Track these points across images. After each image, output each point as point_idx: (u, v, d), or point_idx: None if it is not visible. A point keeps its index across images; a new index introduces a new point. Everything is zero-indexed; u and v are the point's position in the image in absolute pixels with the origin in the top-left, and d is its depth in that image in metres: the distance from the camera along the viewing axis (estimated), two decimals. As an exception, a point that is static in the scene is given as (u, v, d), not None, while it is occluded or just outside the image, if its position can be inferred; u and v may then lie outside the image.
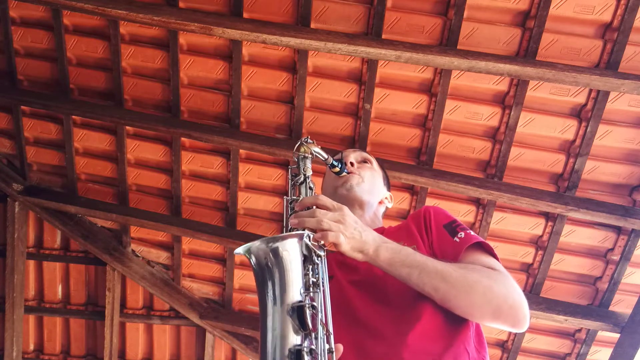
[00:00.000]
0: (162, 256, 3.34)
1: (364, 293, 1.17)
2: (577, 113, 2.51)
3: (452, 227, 1.21)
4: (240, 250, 0.94)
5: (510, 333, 2.99)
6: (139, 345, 3.47)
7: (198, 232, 3.06)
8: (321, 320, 0.90)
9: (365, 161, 1.53)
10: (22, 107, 3.05)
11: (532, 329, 2.95)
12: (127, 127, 2.97)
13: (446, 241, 1.19)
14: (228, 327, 3.25)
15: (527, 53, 2.39)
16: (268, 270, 0.91)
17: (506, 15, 2.39)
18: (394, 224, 1.45)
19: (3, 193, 3.25)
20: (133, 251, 3.33)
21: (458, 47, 2.42)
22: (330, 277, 1.23)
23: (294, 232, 1.00)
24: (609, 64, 2.34)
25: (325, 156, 1.31)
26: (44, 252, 3.40)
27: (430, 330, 1.08)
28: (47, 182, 3.29)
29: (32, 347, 3.56)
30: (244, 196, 3.01)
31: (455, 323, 1.11)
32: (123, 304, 3.39)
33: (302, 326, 0.85)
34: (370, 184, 1.46)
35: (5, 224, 3.29)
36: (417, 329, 1.08)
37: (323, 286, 0.97)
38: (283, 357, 0.82)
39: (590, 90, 2.42)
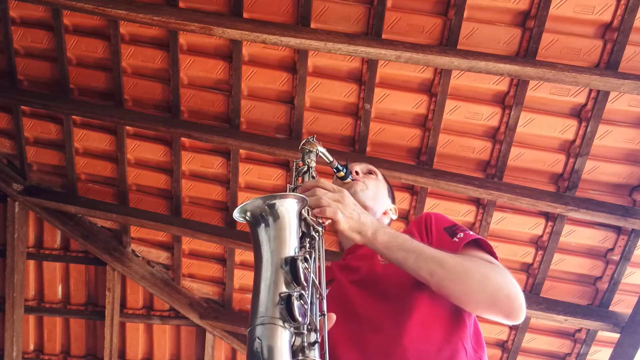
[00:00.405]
0: (162, 256, 3.34)
1: (363, 291, 1.18)
2: (577, 113, 2.51)
3: (453, 230, 1.23)
4: (236, 212, 0.93)
5: (510, 333, 2.99)
6: (139, 345, 3.47)
7: (198, 232, 3.06)
8: (313, 280, 0.91)
9: (370, 172, 1.54)
10: (22, 107, 3.05)
11: (532, 329, 2.96)
12: (127, 127, 2.97)
13: (445, 241, 1.20)
14: (228, 327, 3.25)
15: (527, 53, 2.39)
16: (264, 223, 0.91)
17: (506, 15, 2.39)
18: (393, 224, 1.45)
19: (3, 193, 3.25)
20: (133, 251, 3.33)
21: (458, 47, 2.42)
22: (332, 281, 1.24)
23: (292, 194, 1.00)
24: (609, 64, 2.34)
25: (331, 159, 1.33)
26: (44, 252, 3.40)
27: (429, 320, 1.09)
28: (47, 182, 3.29)
29: (32, 347, 3.56)
30: (244, 196, 3.01)
31: (452, 319, 1.11)
32: (123, 304, 3.39)
33: (294, 279, 0.85)
34: (374, 192, 1.46)
35: (5, 224, 3.29)
36: (415, 319, 1.08)
37: (320, 257, 0.98)
38: (274, 304, 0.81)
39: (590, 90, 2.42)
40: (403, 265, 1.07)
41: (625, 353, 2.69)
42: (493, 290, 1.06)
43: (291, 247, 0.90)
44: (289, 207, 0.94)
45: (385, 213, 1.51)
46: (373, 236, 1.07)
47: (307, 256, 0.91)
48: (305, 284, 0.86)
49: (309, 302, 0.86)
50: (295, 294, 0.82)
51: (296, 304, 0.80)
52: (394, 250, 1.07)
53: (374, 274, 1.19)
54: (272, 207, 0.92)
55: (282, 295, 0.82)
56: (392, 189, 1.62)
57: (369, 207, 1.42)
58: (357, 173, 1.47)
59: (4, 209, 3.30)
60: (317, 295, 0.91)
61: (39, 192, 3.25)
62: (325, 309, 0.91)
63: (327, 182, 1.11)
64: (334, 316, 0.95)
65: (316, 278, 0.93)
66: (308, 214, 1.00)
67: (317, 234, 1.00)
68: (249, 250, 3.09)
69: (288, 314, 0.80)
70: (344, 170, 1.39)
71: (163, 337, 3.45)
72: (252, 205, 0.92)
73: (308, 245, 0.98)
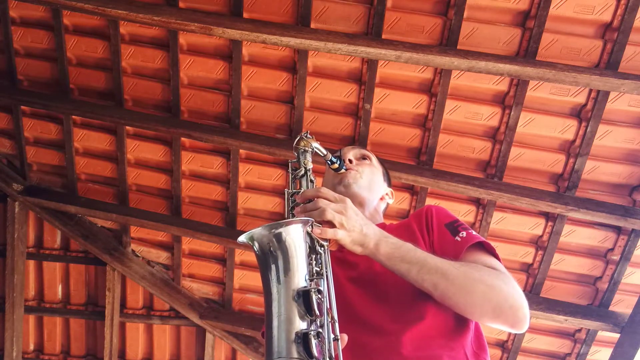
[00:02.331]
0: (162, 256, 3.34)
1: (362, 290, 1.17)
2: (577, 113, 2.51)
3: (454, 226, 1.21)
4: (243, 238, 0.93)
5: (510, 333, 2.99)
6: (139, 345, 3.47)
7: (198, 232, 3.06)
8: (327, 308, 0.90)
9: (364, 158, 1.51)
10: (22, 107, 3.05)
11: (532, 329, 2.95)
12: (127, 127, 2.97)
13: (447, 240, 1.18)
14: (228, 327, 3.25)
15: (527, 53, 2.39)
16: (272, 256, 0.90)
17: (506, 15, 2.39)
18: (392, 218, 1.45)
19: (3, 193, 3.25)
20: (133, 251, 3.33)
21: (458, 47, 2.42)
22: None
23: (297, 218, 1.00)
24: (609, 64, 2.33)
25: (324, 152, 1.31)
26: (44, 252, 3.40)
27: (430, 331, 1.08)
28: (47, 182, 3.29)
29: (32, 347, 3.56)
30: (244, 196, 3.01)
31: (455, 325, 1.10)
32: (123, 304, 3.39)
33: (308, 311, 0.84)
34: (369, 181, 1.44)
35: (5, 224, 3.29)
36: (417, 328, 1.07)
37: (327, 275, 0.97)
38: (290, 341, 0.81)
39: (590, 90, 2.42)
40: (406, 276, 1.06)
41: (625, 353, 2.69)
42: (497, 301, 1.05)
43: (301, 275, 0.89)
44: (294, 234, 0.92)
45: (381, 199, 1.50)
46: (375, 248, 1.06)
47: (320, 288, 0.90)
48: (319, 314, 0.85)
49: (325, 337, 0.85)
50: (313, 332, 0.81)
51: (314, 342, 0.80)
52: (396, 262, 1.06)
53: (373, 271, 1.18)
54: (278, 236, 0.91)
55: (298, 333, 0.81)
56: (387, 171, 1.59)
57: (364, 197, 1.41)
58: (350, 161, 1.45)
59: (4, 209, 3.30)
60: (330, 319, 0.90)
61: (39, 192, 3.25)
62: (338, 332, 0.90)
63: (327, 191, 1.09)
64: (345, 337, 0.95)
65: (327, 302, 0.92)
66: (312, 229, 1.00)
67: (322, 248, 1.00)
68: (249, 250, 3.09)
69: (306, 353, 0.80)
70: (338, 161, 1.38)
71: (163, 337, 3.45)
72: (259, 234, 0.91)
73: (315, 263, 0.97)
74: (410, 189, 2.80)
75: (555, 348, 2.99)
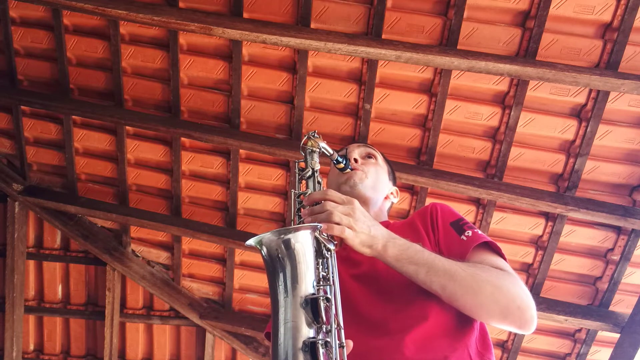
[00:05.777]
0: (162, 256, 3.34)
1: (365, 287, 1.16)
2: (577, 113, 2.51)
3: (459, 224, 1.20)
4: (251, 241, 0.92)
5: (510, 333, 2.99)
6: (139, 345, 3.47)
7: (198, 232, 3.06)
8: (333, 313, 0.90)
9: (370, 156, 1.51)
10: (22, 107, 3.05)
11: (532, 329, 2.95)
12: (127, 127, 2.97)
13: (453, 239, 1.18)
14: (228, 327, 3.25)
15: (527, 53, 2.39)
16: (280, 262, 0.90)
17: (506, 15, 2.39)
18: (395, 216, 1.44)
19: (3, 193, 3.25)
20: (133, 251, 3.33)
21: (458, 47, 2.42)
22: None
23: (306, 224, 0.99)
24: (609, 64, 2.34)
25: (331, 152, 1.30)
26: (44, 252, 3.40)
27: (434, 331, 1.07)
28: (47, 182, 3.29)
29: (32, 347, 3.56)
30: (244, 196, 3.01)
31: (459, 325, 1.10)
32: (123, 304, 3.39)
33: (315, 319, 0.84)
34: (374, 180, 1.44)
35: (5, 224, 3.29)
36: (420, 328, 1.07)
37: (333, 280, 0.97)
38: (297, 350, 0.81)
39: (590, 90, 2.42)
40: (414, 278, 1.06)
41: (625, 353, 2.69)
42: (505, 303, 1.05)
43: (309, 282, 0.88)
44: (303, 240, 0.92)
45: (386, 197, 1.50)
46: (383, 249, 1.06)
47: (329, 296, 0.89)
48: (326, 321, 0.85)
49: (332, 345, 0.85)
50: (320, 341, 0.81)
51: (321, 351, 0.80)
52: (404, 263, 1.06)
53: (376, 269, 1.17)
54: (287, 242, 0.90)
55: (306, 342, 0.81)
56: (393, 169, 1.59)
57: (369, 197, 1.40)
58: (356, 160, 1.45)
59: (4, 209, 3.30)
60: (336, 326, 0.90)
61: (39, 192, 3.25)
62: (343, 339, 0.90)
63: (334, 193, 1.09)
64: (350, 343, 0.94)
65: (334, 309, 0.91)
66: (319, 233, 0.99)
67: (329, 252, 0.99)
68: (249, 250, 3.09)
69: None
70: (344, 161, 1.38)
71: (163, 337, 3.45)
72: (268, 239, 0.90)
73: (321, 267, 0.96)
74: (410, 189, 2.80)
75: (555, 348, 2.99)
